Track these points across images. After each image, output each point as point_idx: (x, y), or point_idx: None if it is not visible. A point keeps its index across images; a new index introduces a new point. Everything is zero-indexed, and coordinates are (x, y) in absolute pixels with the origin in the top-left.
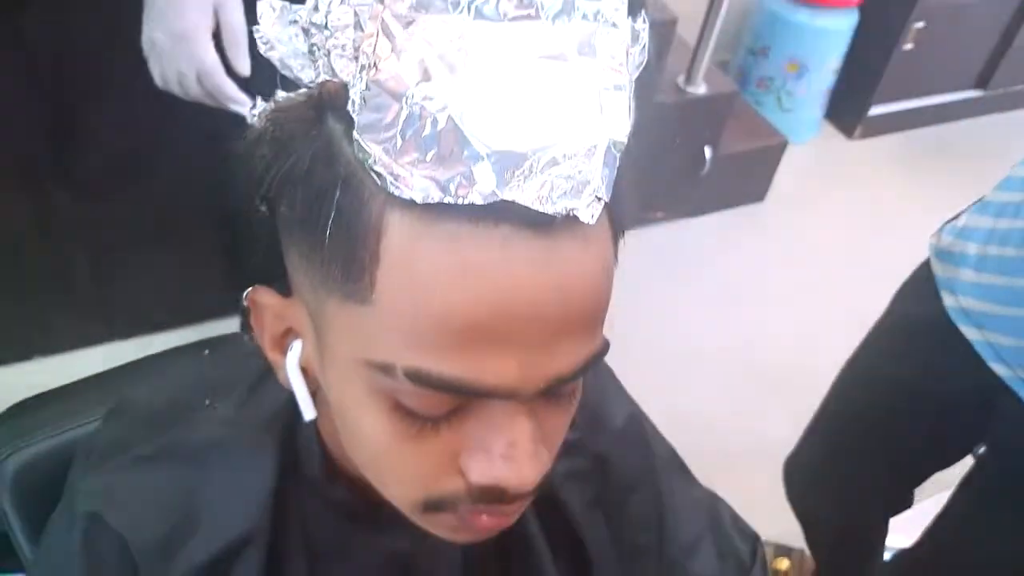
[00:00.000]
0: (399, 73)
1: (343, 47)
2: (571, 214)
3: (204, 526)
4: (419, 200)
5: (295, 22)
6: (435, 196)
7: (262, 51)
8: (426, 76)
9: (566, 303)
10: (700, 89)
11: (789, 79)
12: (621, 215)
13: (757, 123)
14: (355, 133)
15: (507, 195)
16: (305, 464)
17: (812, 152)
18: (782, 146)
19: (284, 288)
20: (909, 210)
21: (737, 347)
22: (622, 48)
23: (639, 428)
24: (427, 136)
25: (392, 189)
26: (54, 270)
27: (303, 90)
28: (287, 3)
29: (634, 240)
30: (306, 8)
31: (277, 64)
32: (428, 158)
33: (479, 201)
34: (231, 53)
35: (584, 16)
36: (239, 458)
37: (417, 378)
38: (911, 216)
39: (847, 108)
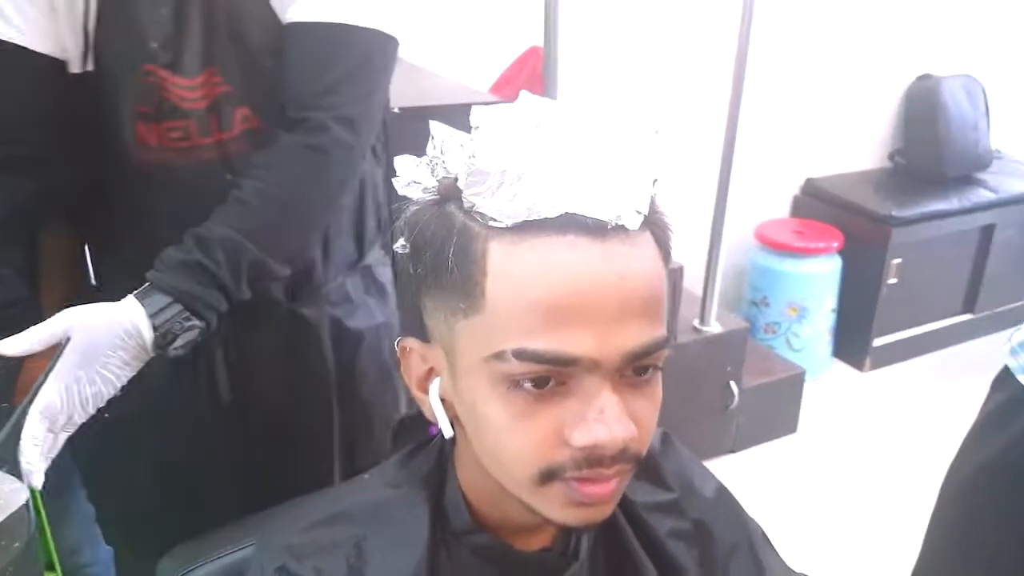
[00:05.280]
0: (487, 160)
1: (454, 158)
2: (619, 223)
3: (372, 574)
4: (509, 224)
5: (421, 164)
6: (521, 217)
7: (402, 191)
8: (504, 158)
9: (625, 289)
10: (715, 328)
11: (793, 322)
12: (664, 239)
13: (773, 360)
14: (464, 196)
15: (571, 208)
16: (452, 517)
17: (829, 386)
18: (801, 377)
19: (424, 337)
20: (929, 431)
21: None
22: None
23: (730, 499)
24: (511, 188)
25: (492, 223)
26: None
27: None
28: (415, 156)
29: None
30: (429, 149)
31: (412, 193)
32: (513, 199)
33: (552, 215)
34: None
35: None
36: (400, 514)
37: (521, 355)
38: (931, 436)
39: (852, 343)
